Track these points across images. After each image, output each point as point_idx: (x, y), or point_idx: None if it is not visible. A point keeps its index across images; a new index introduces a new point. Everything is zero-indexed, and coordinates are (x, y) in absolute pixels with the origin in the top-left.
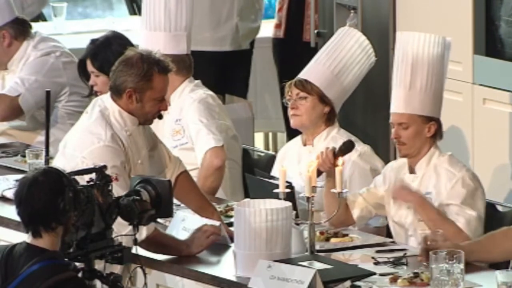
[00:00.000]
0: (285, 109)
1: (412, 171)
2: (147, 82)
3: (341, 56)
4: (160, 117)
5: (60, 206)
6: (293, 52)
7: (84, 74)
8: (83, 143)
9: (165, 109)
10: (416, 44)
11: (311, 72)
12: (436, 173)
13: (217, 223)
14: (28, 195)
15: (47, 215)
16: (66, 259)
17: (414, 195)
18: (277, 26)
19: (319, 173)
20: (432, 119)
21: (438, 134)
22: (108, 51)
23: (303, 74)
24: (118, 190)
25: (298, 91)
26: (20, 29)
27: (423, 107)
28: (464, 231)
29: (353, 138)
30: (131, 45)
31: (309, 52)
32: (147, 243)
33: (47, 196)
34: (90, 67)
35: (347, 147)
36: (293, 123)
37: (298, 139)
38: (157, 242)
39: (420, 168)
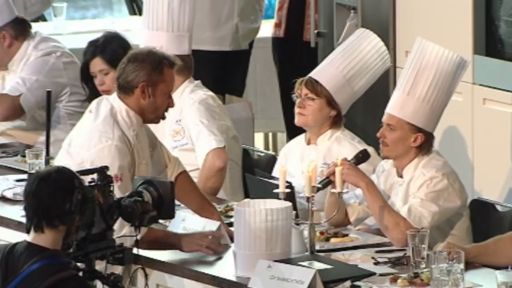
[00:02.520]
0: (285, 108)
1: (400, 175)
2: (160, 74)
3: (356, 60)
4: (164, 117)
5: (66, 206)
6: (293, 51)
7: (86, 79)
8: (90, 142)
9: (172, 105)
10: (429, 54)
11: (323, 73)
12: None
13: (217, 223)
14: (37, 188)
15: (51, 211)
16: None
17: (363, 178)
18: (277, 25)
19: (328, 183)
20: (421, 131)
21: (424, 146)
22: (114, 45)
23: (314, 74)
24: (117, 191)
25: (307, 92)
26: (20, 29)
27: (415, 116)
28: (407, 221)
29: (357, 139)
30: (128, 42)
31: (309, 52)
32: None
33: (55, 193)
34: (98, 65)
35: (364, 156)
36: (297, 121)
37: (301, 138)
38: (150, 239)
39: (407, 173)
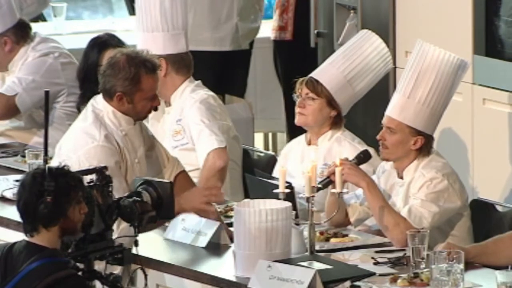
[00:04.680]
0: (287, 110)
1: (400, 176)
2: (136, 84)
3: (357, 61)
4: (156, 109)
5: (39, 209)
6: (301, 54)
7: (88, 79)
8: (77, 144)
9: (158, 104)
10: (430, 57)
11: (324, 73)
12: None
13: (216, 223)
14: (18, 195)
15: (29, 216)
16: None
17: (365, 178)
18: (282, 28)
19: (329, 183)
20: (421, 133)
21: (424, 149)
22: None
23: (315, 74)
24: None
25: (307, 91)
26: (22, 34)
27: (415, 119)
28: (407, 221)
29: (357, 140)
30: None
31: (315, 54)
32: None
33: (27, 198)
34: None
35: (365, 156)
36: (297, 120)
37: (302, 138)
38: None
39: (408, 175)
